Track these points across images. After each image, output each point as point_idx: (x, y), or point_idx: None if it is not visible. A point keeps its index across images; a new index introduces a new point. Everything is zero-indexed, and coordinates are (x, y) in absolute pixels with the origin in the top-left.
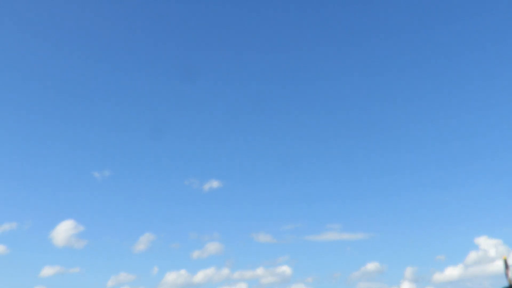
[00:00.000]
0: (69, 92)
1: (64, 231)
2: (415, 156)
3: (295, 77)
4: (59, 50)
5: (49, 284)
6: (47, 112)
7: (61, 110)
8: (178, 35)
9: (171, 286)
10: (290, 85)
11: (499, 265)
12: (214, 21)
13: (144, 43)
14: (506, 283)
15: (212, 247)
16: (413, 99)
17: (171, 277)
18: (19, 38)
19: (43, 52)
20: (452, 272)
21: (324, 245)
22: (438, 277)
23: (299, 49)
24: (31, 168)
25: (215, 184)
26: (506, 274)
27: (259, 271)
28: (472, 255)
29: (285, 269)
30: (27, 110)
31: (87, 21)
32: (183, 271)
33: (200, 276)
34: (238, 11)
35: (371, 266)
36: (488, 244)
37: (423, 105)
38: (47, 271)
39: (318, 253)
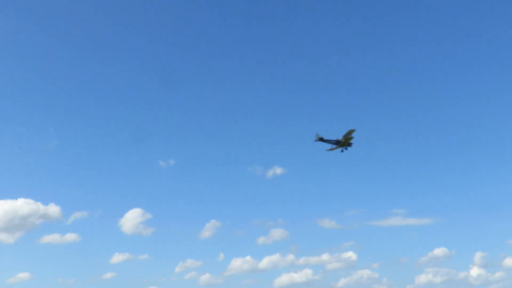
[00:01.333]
0: (132, 85)
1: (132, 219)
2: (484, 139)
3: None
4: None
5: (119, 270)
6: (113, 106)
7: (125, 102)
8: None
9: (237, 272)
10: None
11: None
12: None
13: None
14: None
15: (277, 233)
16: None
17: (236, 263)
18: None
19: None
20: None
21: (389, 230)
22: (509, 262)
23: None
24: (99, 159)
25: (278, 170)
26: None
27: (324, 257)
28: None
29: (350, 254)
30: (97, 105)
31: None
32: (248, 257)
33: (265, 262)
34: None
35: (439, 251)
36: None
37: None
38: (117, 258)
39: (383, 239)
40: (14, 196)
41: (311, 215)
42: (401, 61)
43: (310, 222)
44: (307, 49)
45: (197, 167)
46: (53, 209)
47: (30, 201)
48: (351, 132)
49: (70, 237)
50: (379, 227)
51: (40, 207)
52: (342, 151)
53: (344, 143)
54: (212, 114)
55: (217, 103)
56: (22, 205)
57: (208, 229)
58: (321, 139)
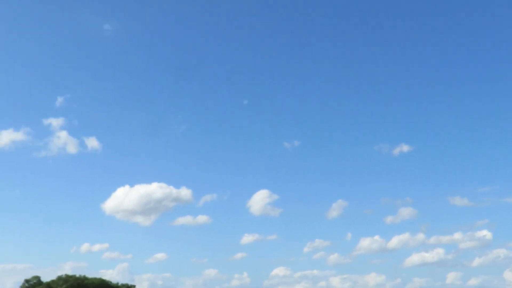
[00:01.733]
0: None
1: (260, 200)
2: None
3: None
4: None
5: (249, 250)
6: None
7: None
8: None
9: (366, 252)
10: None
11: None
12: None
13: None
14: None
15: (406, 212)
16: None
17: (365, 243)
18: None
19: None
20: None
21: None
22: None
23: None
24: (225, 141)
25: (405, 148)
26: None
27: (457, 235)
28: None
29: (485, 233)
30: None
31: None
32: (376, 237)
33: (394, 241)
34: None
35: None
36: None
37: None
38: (247, 238)
39: None
40: (148, 180)
41: (441, 193)
42: None
43: (440, 200)
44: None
45: (322, 147)
46: (185, 192)
47: (163, 185)
48: None
49: (202, 218)
50: None
51: (172, 190)
52: None
53: None
54: (335, 93)
55: (338, 82)
56: (156, 189)
57: (335, 209)
58: None
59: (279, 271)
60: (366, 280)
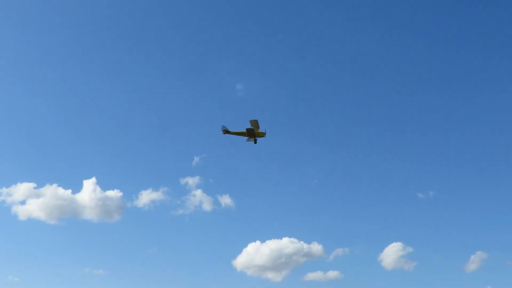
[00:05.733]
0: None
1: (392, 253)
2: None
3: None
4: None
5: None
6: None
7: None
8: None
9: None
10: None
11: None
12: None
13: None
14: None
15: None
16: None
17: None
18: None
19: None
20: None
21: None
22: None
23: None
24: (354, 194)
25: None
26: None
27: None
28: None
29: None
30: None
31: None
32: None
33: None
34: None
35: None
36: None
37: None
38: None
39: None
40: (279, 236)
41: None
42: None
43: None
44: None
45: (458, 197)
46: (316, 247)
47: (294, 240)
48: (253, 123)
49: (332, 274)
50: None
51: (303, 245)
52: (255, 142)
53: (250, 134)
54: (471, 137)
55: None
56: (286, 244)
57: (474, 261)
58: (227, 131)
59: None
60: None
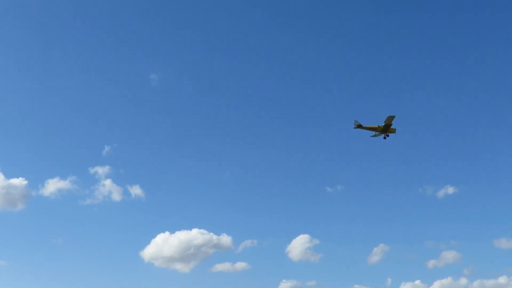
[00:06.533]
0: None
1: (300, 245)
2: None
3: None
4: None
5: None
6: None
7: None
8: None
9: None
10: None
11: None
12: None
13: None
14: None
15: (449, 255)
16: None
17: None
18: None
19: None
20: None
21: None
22: None
23: None
24: (265, 187)
25: (450, 190)
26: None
27: (502, 279)
28: None
29: None
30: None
31: None
32: (417, 282)
33: (436, 286)
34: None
35: None
36: None
37: None
38: (285, 284)
39: None
40: (189, 227)
41: (486, 235)
42: None
43: (485, 243)
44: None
45: (362, 191)
46: (225, 239)
47: (204, 231)
48: (389, 118)
49: (240, 265)
50: None
51: (213, 237)
52: (384, 137)
53: (384, 129)
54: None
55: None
56: (196, 235)
57: (377, 254)
58: (359, 126)
59: None
60: None
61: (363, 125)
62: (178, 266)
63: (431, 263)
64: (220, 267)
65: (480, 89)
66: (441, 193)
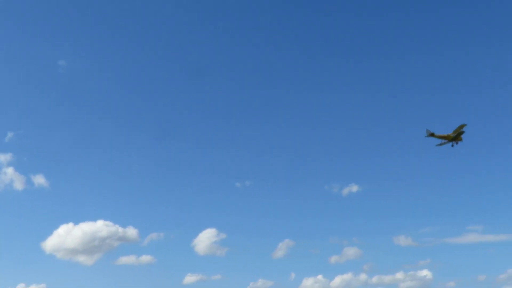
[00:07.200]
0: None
1: (206, 238)
2: None
3: None
4: None
5: None
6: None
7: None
8: None
9: None
10: None
11: None
12: None
13: None
14: None
15: (350, 251)
16: None
17: (308, 282)
18: None
19: None
20: None
21: (465, 248)
22: None
23: None
24: (174, 181)
25: (354, 188)
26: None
27: (399, 275)
28: None
29: (426, 273)
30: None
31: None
32: (320, 277)
33: (337, 281)
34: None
35: None
36: None
37: None
38: (190, 278)
39: (459, 256)
40: (94, 218)
41: (386, 232)
42: None
43: (385, 240)
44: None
45: (272, 187)
46: (131, 231)
47: (109, 223)
48: (461, 126)
49: (146, 258)
50: (455, 244)
51: (118, 229)
52: (452, 145)
53: (455, 138)
54: (288, 132)
55: (292, 121)
56: (101, 227)
57: (282, 249)
58: (432, 135)
59: None
60: None
61: (435, 134)
62: (81, 259)
63: (333, 259)
64: (124, 260)
65: (382, 88)
66: (345, 191)
